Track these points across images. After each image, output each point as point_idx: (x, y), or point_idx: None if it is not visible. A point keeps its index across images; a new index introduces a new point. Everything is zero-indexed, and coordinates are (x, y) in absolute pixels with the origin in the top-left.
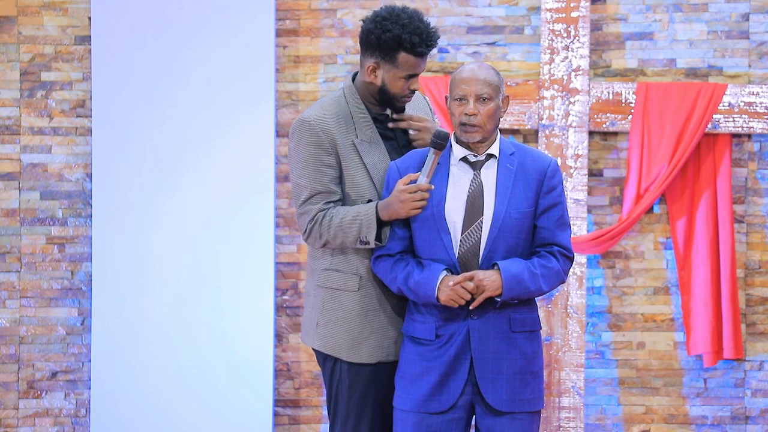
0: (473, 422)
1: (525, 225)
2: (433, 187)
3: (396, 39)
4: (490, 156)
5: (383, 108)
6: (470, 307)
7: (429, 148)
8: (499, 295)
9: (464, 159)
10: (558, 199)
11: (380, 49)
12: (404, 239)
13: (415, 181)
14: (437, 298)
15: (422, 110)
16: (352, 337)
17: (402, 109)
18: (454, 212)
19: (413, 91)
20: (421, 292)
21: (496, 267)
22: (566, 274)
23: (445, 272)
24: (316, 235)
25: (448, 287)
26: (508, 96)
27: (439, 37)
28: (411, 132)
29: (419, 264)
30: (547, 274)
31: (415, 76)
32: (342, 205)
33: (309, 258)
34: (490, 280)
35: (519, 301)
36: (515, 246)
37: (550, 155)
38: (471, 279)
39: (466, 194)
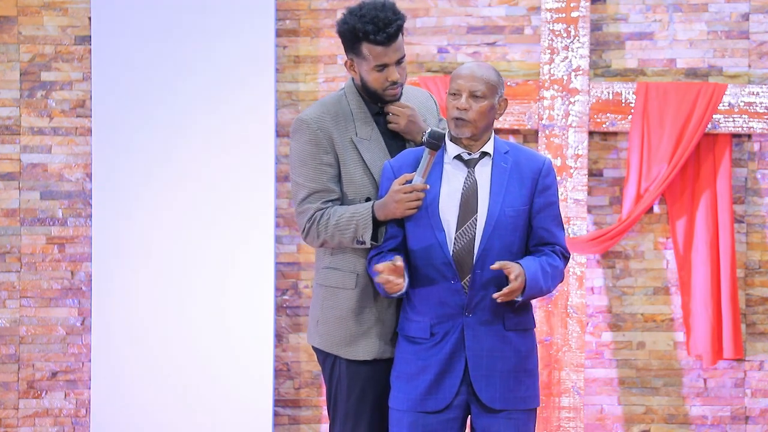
0: (468, 423)
1: (520, 223)
2: (428, 186)
3: (352, 31)
4: (485, 154)
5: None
6: (495, 297)
7: (424, 148)
8: (522, 293)
9: (458, 157)
10: (554, 197)
11: (345, 44)
12: (396, 238)
13: (410, 181)
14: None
15: (424, 107)
16: (348, 334)
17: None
18: (448, 210)
19: (395, 83)
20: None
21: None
22: (563, 273)
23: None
24: (314, 234)
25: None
26: (506, 99)
27: (399, 21)
28: (389, 115)
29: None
30: (554, 274)
31: (386, 66)
32: (340, 204)
33: (315, 257)
34: (521, 281)
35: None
36: (510, 244)
37: (543, 155)
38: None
39: (460, 192)
